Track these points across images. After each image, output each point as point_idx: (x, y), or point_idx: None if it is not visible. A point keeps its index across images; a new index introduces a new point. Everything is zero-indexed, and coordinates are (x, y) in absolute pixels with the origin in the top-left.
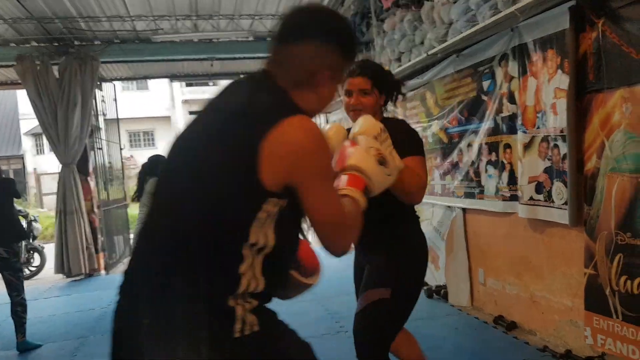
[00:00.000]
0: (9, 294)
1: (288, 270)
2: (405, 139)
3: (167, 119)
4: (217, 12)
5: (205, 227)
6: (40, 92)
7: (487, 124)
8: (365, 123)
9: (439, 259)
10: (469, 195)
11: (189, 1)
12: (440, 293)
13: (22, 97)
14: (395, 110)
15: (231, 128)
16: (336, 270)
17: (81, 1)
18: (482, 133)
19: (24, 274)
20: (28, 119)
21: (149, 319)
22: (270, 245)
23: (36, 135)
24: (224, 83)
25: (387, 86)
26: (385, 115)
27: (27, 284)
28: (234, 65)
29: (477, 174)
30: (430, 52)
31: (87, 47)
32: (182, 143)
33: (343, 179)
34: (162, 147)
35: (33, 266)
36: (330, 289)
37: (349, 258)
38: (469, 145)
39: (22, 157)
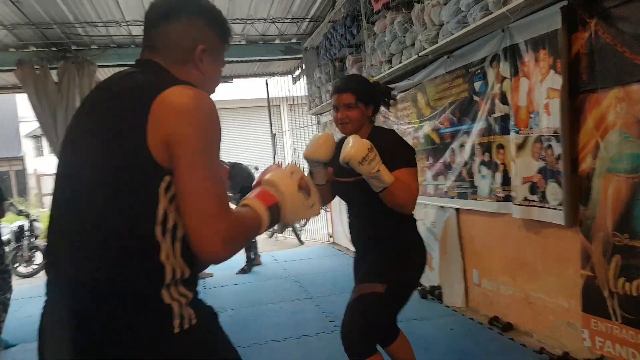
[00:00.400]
0: None
1: None
2: (395, 151)
3: None
4: None
5: (113, 218)
6: (40, 96)
7: (479, 125)
8: (352, 147)
9: (433, 260)
10: (462, 195)
11: None
12: (434, 294)
13: (21, 100)
14: (388, 112)
15: (118, 108)
16: (330, 270)
17: (78, 7)
18: (474, 134)
19: (28, 271)
20: (28, 122)
21: (80, 325)
22: (172, 225)
23: (36, 137)
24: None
25: (372, 98)
26: (376, 124)
27: (28, 281)
28: (226, 69)
29: (470, 174)
30: (421, 54)
31: (85, 52)
32: (72, 138)
33: (253, 192)
34: None
35: (35, 264)
36: (324, 289)
37: (343, 257)
38: (462, 145)
39: (22, 159)
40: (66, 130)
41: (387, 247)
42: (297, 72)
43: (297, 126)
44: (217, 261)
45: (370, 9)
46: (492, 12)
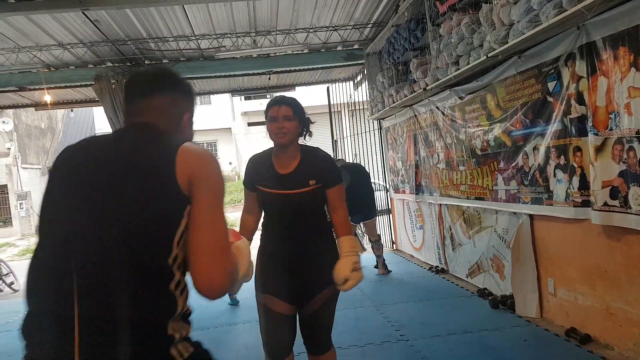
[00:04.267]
0: None
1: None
2: (328, 168)
3: (228, 130)
4: (274, 28)
5: (134, 251)
6: (116, 109)
7: (554, 127)
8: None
9: (505, 268)
10: (536, 200)
11: (248, 18)
12: (506, 303)
13: (98, 113)
14: (454, 114)
15: (144, 158)
16: (394, 278)
17: (151, 23)
18: (549, 136)
19: None
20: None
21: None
22: (181, 258)
23: None
24: (278, 94)
25: (303, 117)
26: (442, 125)
27: None
28: (289, 78)
29: (545, 178)
30: (490, 54)
31: (157, 66)
32: (85, 193)
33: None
34: (224, 156)
35: None
36: (388, 297)
37: (408, 264)
38: (535, 148)
39: None
40: (65, 182)
41: (322, 251)
42: (359, 78)
43: (358, 132)
44: (218, 296)
45: (435, 11)
46: (566, 10)
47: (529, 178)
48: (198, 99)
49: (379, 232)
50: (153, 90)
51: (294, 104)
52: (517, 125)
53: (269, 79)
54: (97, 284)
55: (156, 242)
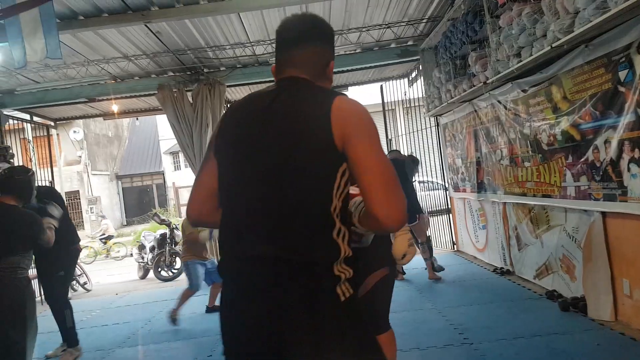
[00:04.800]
0: None
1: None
2: None
3: None
4: None
5: (302, 202)
6: (178, 116)
7: (627, 118)
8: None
9: (575, 269)
10: (609, 197)
11: None
12: (577, 306)
13: (160, 120)
14: (517, 108)
15: (298, 117)
16: (456, 280)
17: (209, 32)
18: (621, 128)
19: (169, 275)
20: (166, 140)
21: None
22: (340, 209)
23: (173, 153)
24: None
25: None
26: (505, 119)
27: (169, 284)
28: (342, 78)
29: (618, 173)
30: (555, 45)
31: (215, 74)
32: (249, 145)
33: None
34: None
35: (175, 269)
36: (450, 299)
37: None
38: (607, 141)
39: (162, 173)
40: (231, 141)
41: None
42: (414, 74)
43: (414, 129)
44: (401, 224)
45: (493, 2)
46: None
47: (601, 173)
48: None
49: (429, 234)
50: (305, 39)
51: None
52: (587, 117)
53: None
54: (273, 232)
55: (317, 195)
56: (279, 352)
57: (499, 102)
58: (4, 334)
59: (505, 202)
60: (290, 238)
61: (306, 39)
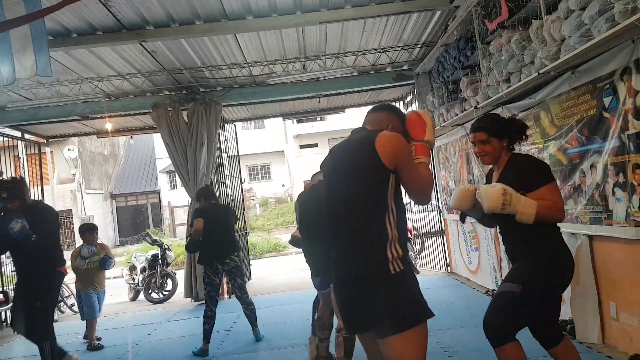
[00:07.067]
0: (242, 297)
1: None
2: (532, 173)
3: (281, 153)
4: (323, 52)
5: (363, 206)
6: (173, 135)
7: (611, 143)
8: (489, 201)
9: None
10: (595, 220)
11: (298, 45)
12: (565, 328)
13: (157, 139)
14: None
15: (358, 148)
16: (448, 302)
17: (205, 52)
18: (606, 153)
19: (159, 297)
20: (162, 159)
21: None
22: (393, 207)
23: (170, 172)
24: (331, 117)
25: (505, 131)
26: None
27: (160, 307)
28: (339, 100)
29: (604, 197)
30: (542, 71)
31: (211, 93)
32: (332, 172)
33: (419, 148)
34: (277, 178)
35: (166, 290)
36: (441, 321)
37: (463, 288)
38: (592, 166)
39: (158, 193)
40: (332, 165)
41: (528, 256)
42: (409, 98)
43: None
44: (429, 200)
45: (484, 29)
46: (619, 23)
47: (587, 197)
48: (252, 124)
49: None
50: (377, 109)
51: (488, 126)
52: (573, 142)
53: (319, 102)
54: (344, 222)
55: (371, 202)
56: None
57: None
58: None
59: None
60: (353, 226)
61: (377, 109)
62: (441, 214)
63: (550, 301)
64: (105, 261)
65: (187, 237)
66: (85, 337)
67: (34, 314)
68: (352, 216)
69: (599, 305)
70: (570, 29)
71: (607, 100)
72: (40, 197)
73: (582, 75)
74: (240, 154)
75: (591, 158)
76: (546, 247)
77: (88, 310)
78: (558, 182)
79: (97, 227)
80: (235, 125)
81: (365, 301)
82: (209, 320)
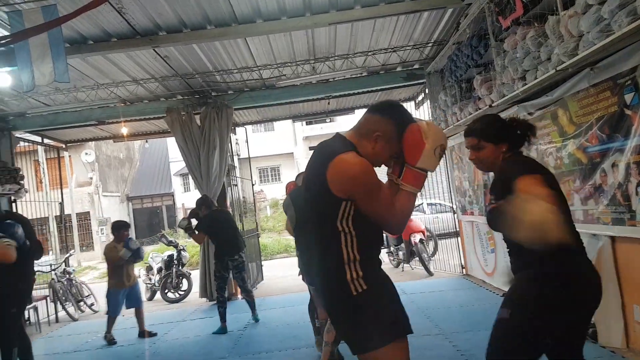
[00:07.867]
0: (243, 286)
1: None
2: (510, 174)
3: (290, 155)
4: (332, 54)
5: (319, 226)
6: (186, 138)
7: (634, 141)
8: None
9: None
10: (617, 221)
11: (307, 47)
12: (588, 333)
13: (171, 143)
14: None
15: (317, 166)
16: (464, 304)
17: (216, 57)
18: (628, 151)
19: (175, 297)
20: (176, 162)
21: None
22: (351, 231)
23: (183, 175)
24: (340, 119)
25: (503, 135)
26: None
27: (176, 306)
28: (349, 101)
29: (626, 197)
30: (559, 68)
31: (222, 97)
32: (305, 178)
33: (409, 174)
34: (287, 180)
35: (181, 290)
36: (458, 325)
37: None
38: (614, 165)
39: (172, 195)
40: (306, 170)
41: (523, 276)
42: (420, 97)
43: None
44: (402, 229)
45: (498, 26)
46: None
47: (609, 197)
48: (261, 126)
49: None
50: (371, 110)
51: (480, 131)
52: (593, 140)
53: (329, 103)
54: (310, 236)
55: (323, 223)
56: None
57: None
58: None
59: None
60: (315, 242)
61: (370, 110)
62: (455, 215)
63: (555, 327)
64: (139, 250)
65: (188, 228)
66: (104, 337)
67: (7, 319)
68: (313, 233)
69: (622, 308)
70: (589, 24)
71: (628, 97)
72: (60, 200)
73: (601, 72)
74: (251, 156)
75: (613, 157)
76: (545, 269)
77: (112, 308)
78: (578, 183)
79: (130, 225)
80: (246, 128)
81: (331, 316)
82: (221, 304)
